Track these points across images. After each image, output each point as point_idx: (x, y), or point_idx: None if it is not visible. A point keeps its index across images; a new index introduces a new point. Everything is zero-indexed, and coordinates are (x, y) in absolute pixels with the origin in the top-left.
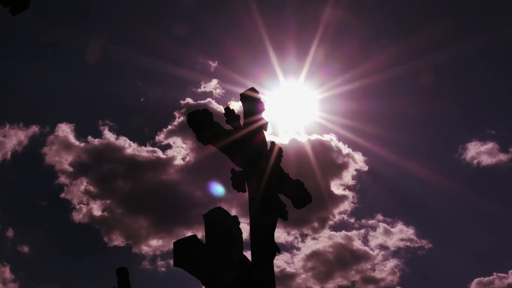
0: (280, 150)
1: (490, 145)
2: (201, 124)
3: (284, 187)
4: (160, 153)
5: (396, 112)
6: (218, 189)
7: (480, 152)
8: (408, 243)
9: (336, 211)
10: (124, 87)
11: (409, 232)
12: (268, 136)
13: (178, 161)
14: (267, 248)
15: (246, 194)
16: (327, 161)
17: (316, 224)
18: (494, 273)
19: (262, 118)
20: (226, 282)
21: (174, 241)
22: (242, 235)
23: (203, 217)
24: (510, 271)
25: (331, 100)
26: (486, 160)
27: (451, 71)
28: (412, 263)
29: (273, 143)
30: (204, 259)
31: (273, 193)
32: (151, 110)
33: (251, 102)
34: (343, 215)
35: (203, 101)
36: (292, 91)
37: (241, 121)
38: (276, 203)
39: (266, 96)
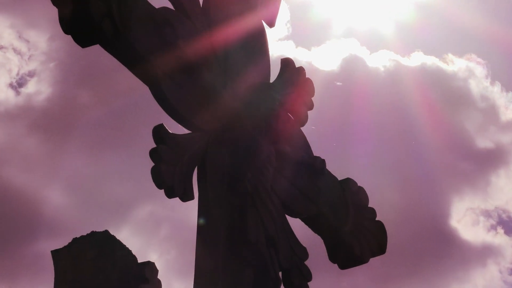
0: (311, 88)
1: None
2: None
3: (310, 198)
4: None
5: None
6: None
7: None
8: None
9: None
10: None
11: None
12: (278, 46)
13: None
14: None
15: (195, 204)
16: (451, 138)
17: None
18: None
19: None
20: None
21: None
22: None
23: (52, 256)
24: None
25: None
26: None
27: None
28: None
29: (289, 63)
30: None
31: (276, 214)
32: None
33: None
34: None
35: None
36: None
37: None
38: (279, 248)
39: None
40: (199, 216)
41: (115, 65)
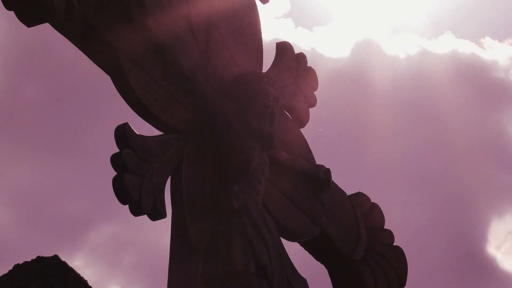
0: (314, 80)
1: None
2: None
3: (311, 217)
4: None
5: None
6: None
7: None
8: None
9: None
10: None
11: None
12: (273, 26)
13: None
14: None
15: (167, 224)
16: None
17: None
18: None
19: None
20: None
21: None
22: None
23: None
24: None
25: None
26: None
27: None
28: None
29: (287, 48)
30: None
31: (270, 237)
32: None
33: None
34: None
35: None
36: None
37: None
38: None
39: None
40: (172, 239)
41: (70, 49)
